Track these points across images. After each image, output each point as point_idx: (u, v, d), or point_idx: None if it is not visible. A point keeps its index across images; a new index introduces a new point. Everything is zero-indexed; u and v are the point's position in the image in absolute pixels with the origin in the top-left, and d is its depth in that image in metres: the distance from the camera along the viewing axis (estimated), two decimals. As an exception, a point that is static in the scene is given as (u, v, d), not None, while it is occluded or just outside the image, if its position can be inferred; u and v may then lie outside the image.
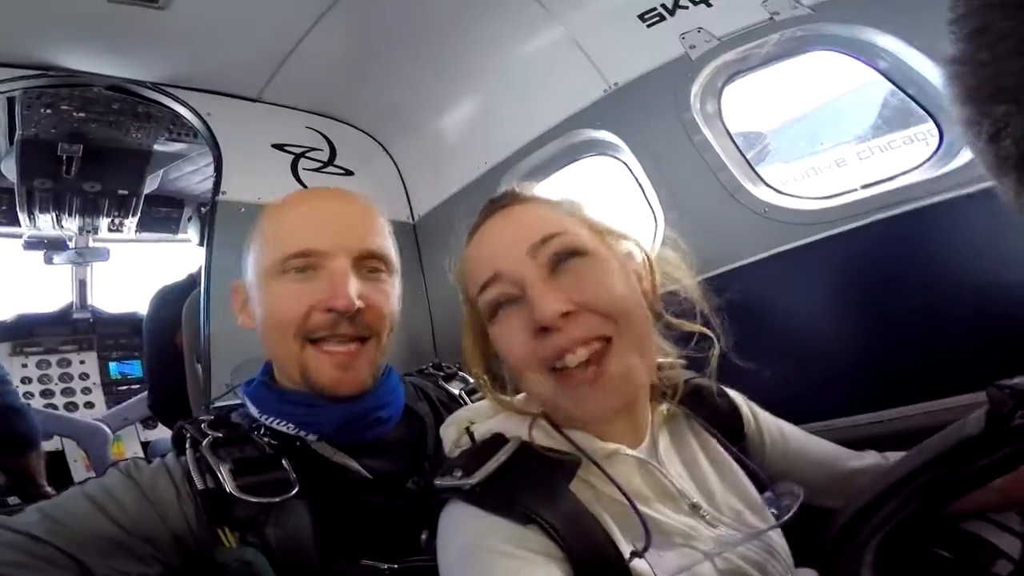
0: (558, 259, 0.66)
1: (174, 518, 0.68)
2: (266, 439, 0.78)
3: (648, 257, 0.75)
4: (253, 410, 0.83)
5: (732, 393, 0.85)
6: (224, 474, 0.70)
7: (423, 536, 0.67)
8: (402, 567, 0.71)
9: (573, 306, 0.63)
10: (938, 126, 1.22)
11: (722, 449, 0.76)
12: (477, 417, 0.74)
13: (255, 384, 0.86)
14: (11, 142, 2.35)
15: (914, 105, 1.24)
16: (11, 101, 2.10)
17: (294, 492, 0.71)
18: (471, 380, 1.05)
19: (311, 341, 0.79)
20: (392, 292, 0.86)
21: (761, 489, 0.74)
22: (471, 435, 0.71)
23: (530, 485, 0.60)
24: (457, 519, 0.61)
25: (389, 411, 0.85)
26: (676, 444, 0.74)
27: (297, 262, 0.80)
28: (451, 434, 0.74)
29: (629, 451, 0.68)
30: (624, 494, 0.63)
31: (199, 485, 0.70)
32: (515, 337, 0.65)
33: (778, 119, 1.64)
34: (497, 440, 0.67)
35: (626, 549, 0.59)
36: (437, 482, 0.64)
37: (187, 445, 0.75)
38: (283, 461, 0.75)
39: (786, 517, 0.68)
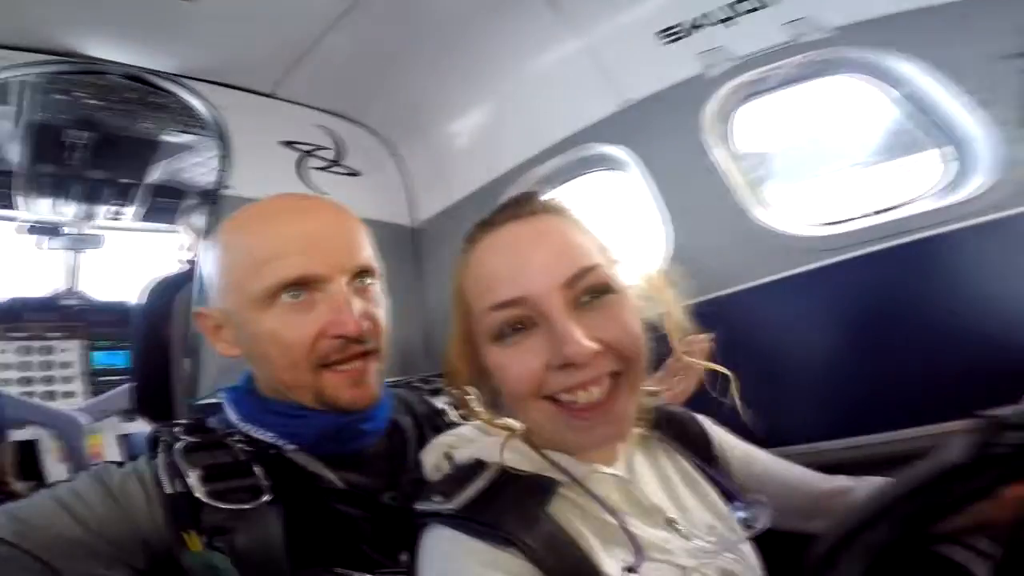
0: (589, 295, 0.66)
1: (143, 522, 0.71)
2: (240, 445, 0.80)
3: (671, 293, 0.78)
4: (233, 416, 0.85)
5: (699, 417, 0.90)
6: (193, 479, 0.72)
7: (403, 557, 0.71)
8: None
9: (601, 346, 0.64)
10: (953, 156, 1.28)
11: (693, 469, 0.81)
12: (458, 443, 0.76)
13: (240, 391, 0.89)
14: (16, 125, 2.42)
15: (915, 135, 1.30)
16: (21, 84, 2.16)
17: (265, 499, 0.74)
18: None
19: (323, 365, 0.81)
20: (383, 300, 0.89)
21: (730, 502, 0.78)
22: (451, 461, 0.73)
23: (509, 509, 0.63)
24: (436, 542, 0.64)
25: (374, 424, 0.88)
26: (650, 464, 0.79)
27: (292, 290, 0.79)
28: (431, 459, 0.76)
29: (606, 469, 0.71)
30: (611, 511, 0.67)
31: (167, 489, 0.72)
32: (524, 365, 0.65)
33: (783, 140, 1.69)
34: (477, 466, 0.69)
35: (608, 563, 0.63)
36: (418, 506, 0.67)
37: (159, 449, 0.78)
38: (255, 468, 0.77)
39: (760, 525, 0.72)
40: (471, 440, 0.76)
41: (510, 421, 0.78)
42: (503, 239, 0.70)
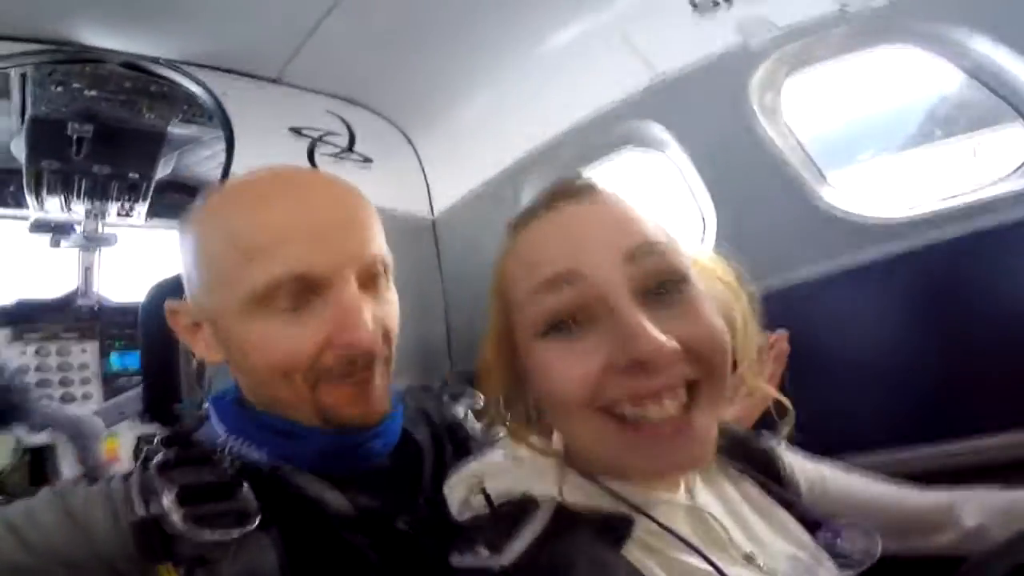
0: (658, 282, 0.53)
1: (107, 545, 0.61)
2: (228, 462, 0.69)
3: (747, 300, 0.67)
4: (220, 430, 0.74)
5: (765, 435, 0.78)
6: (168, 501, 0.61)
7: None
8: None
9: (679, 345, 0.51)
10: None
11: (763, 495, 0.69)
12: (489, 471, 0.64)
13: (228, 400, 0.76)
14: (22, 121, 2.36)
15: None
16: (23, 78, 2.10)
17: (255, 524, 0.62)
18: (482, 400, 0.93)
19: (322, 379, 0.69)
20: (395, 299, 0.76)
21: (812, 530, 0.66)
22: (487, 496, 0.60)
23: (577, 558, 0.51)
24: None
25: (383, 440, 0.75)
26: (714, 493, 0.67)
27: (290, 291, 0.66)
28: (458, 494, 0.63)
29: (681, 500, 0.60)
30: (701, 553, 0.54)
31: (139, 512, 0.62)
32: (576, 368, 0.53)
33: (836, 115, 1.57)
34: (526, 503, 0.56)
35: None
36: (455, 562, 0.54)
37: (137, 464, 0.67)
38: (245, 488, 0.66)
39: (863, 555, 0.61)
40: (504, 469, 0.64)
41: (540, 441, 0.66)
42: (556, 219, 0.58)
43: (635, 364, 0.50)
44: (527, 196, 1.82)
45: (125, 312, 3.23)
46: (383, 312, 0.71)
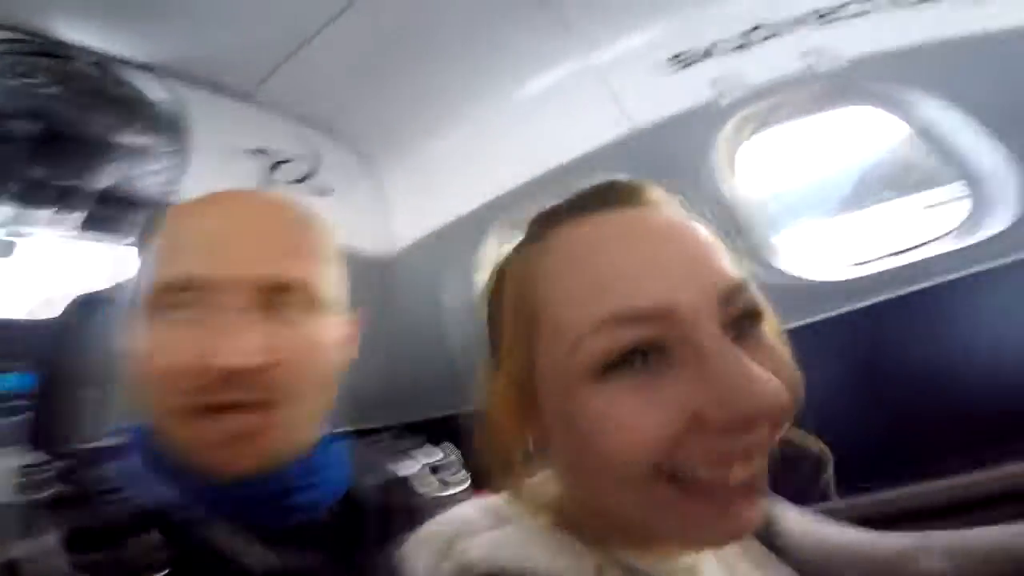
0: (738, 318, 0.43)
1: None
2: (128, 504, 0.60)
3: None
4: (128, 465, 0.64)
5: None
6: (49, 545, 0.53)
7: None
8: None
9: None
10: (969, 193, 1.26)
11: (758, 546, 0.63)
12: (463, 532, 0.50)
13: (139, 432, 0.66)
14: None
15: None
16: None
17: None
18: (442, 454, 0.84)
19: (203, 408, 0.59)
20: (322, 337, 0.65)
21: None
22: (466, 566, 0.47)
23: None
24: None
25: (310, 495, 0.65)
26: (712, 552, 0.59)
27: (176, 297, 0.59)
28: (423, 559, 0.49)
29: (691, 565, 0.51)
30: None
31: (11, 553, 0.53)
32: (650, 417, 0.40)
33: (793, 176, 1.67)
34: None
35: None
36: None
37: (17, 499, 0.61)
38: (144, 537, 0.56)
39: None
40: (482, 530, 0.49)
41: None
42: (618, 227, 0.46)
43: (740, 418, 0.39)
44: (492, 240, 1.78)
45: (23, 329, 2.93)
46: (291, 343, 0.61)
